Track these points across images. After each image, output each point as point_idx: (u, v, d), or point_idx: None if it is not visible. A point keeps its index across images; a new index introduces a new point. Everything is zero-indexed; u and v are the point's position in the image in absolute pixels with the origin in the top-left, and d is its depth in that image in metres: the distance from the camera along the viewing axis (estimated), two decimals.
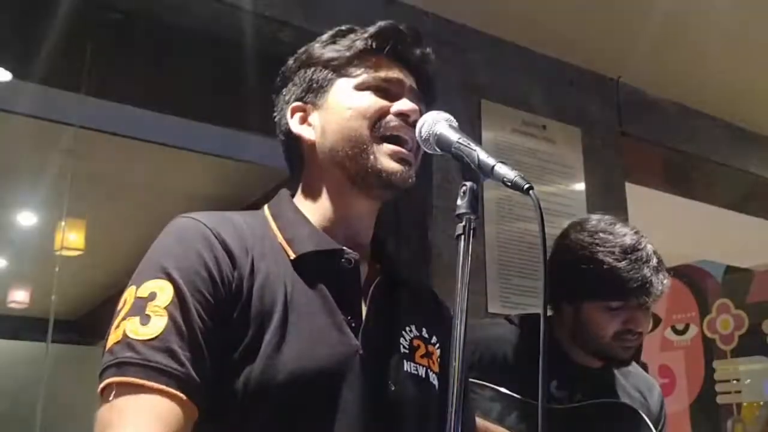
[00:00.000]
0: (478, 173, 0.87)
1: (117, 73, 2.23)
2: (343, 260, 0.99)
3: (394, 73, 1.04)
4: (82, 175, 2.72)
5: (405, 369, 0.99)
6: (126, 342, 0.84)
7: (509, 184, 0.84)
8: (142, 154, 3.07)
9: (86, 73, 2.13)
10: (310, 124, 1.05)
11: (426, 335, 1.05)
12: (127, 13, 2.16)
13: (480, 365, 1.51)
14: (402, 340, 1.01)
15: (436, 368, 1.04)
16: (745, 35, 2.68)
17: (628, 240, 1.48)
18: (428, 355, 1.03)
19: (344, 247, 1.00)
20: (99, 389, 0.84)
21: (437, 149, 0.94)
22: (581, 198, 2.73)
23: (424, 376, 1.01)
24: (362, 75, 1.03)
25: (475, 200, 0.86)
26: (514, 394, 1.49)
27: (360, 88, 1.02)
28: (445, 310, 1.16)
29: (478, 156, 0.87)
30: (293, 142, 1.07)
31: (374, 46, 1.04)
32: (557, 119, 2.76)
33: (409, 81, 1.05)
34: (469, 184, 0.87)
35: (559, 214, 2.62)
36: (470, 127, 2.48)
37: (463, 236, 0.84)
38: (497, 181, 0.86)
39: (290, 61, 1.10)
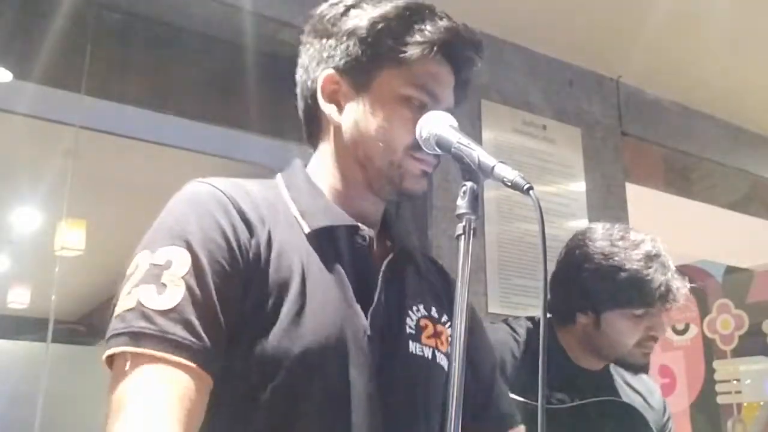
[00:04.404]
0: (478, 173, 0.87)
1: (117, 73, 2.23)
2: (357, 236, 0.98)
3: (445, 91, 0.99)
4: (82, 175, 2.71)
5: (410, 350, 0.97)
6: (140, 311, 0.81)
7: (509, 184, 0.84)
8: (142, 154, 3.07)
9: (86, 73, 2.13)
10: (340, 105, 0.99)
11: (435, 314, 1.03)
12: (127, 13, 2.16)
13: None
14: (408, 320, 0.99)
15: (444, 348, 1.01)
16: (745, 35, 2.68)
17: (649, 246, 1.48)
18: (436, 335, 1.01)
19: (359, 224, 0.98)
20: (107, 355, 0.81)
21: (437, 149, 0.94)
22: (581, 198, 2.73)
23: (430, 357, 0.99)
24: (414, 83, 0.97)
25: (475, 200, 0.86)
26: (516, 396, 1.48)
27: (406, 97, 0.97)
28: (454, 285, 1.15)
29: (478, 156, 0.87)
30: (314, 110, 1.02)
31: (440, 53, 0.97)
32: (557, 119, 2.76)
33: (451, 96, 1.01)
34: (469, 184, 0.87)
35: (559, 214, 2.62)
36: (470, 127, 2.48)
37: (463, 236, 0.84)
38: (497, 181, 0.86)
39: (341, 7, 1.00)
